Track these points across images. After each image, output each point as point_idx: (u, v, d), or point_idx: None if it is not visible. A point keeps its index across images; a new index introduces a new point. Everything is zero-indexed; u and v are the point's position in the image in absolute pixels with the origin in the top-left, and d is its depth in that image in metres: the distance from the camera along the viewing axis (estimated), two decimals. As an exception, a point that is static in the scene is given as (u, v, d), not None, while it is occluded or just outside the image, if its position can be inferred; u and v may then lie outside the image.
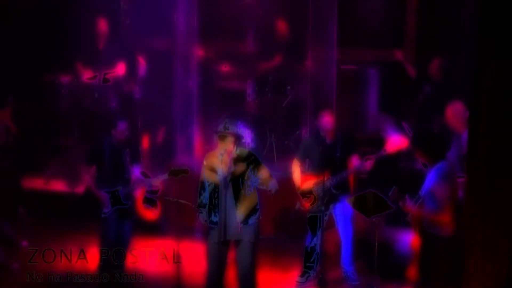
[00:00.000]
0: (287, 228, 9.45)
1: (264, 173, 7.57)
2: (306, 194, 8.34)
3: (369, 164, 8.20)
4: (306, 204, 8.34)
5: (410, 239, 7.73)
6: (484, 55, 5.90)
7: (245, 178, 7.54)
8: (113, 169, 8.18)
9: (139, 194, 8.65)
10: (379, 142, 8.45)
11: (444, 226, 6.98)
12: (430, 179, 7.16)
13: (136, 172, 8.26)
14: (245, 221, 7.51)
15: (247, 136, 7.75)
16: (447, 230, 6.99)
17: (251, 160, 7.56)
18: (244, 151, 7.64)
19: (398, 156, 9.29)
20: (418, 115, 10.35)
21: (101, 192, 8.12)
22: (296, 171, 8.45)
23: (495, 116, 5.85)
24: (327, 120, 8.24)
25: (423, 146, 7.33)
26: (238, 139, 7.55)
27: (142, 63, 11.00)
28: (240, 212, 7.49)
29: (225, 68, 11.15)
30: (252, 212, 7.53)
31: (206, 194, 7.61)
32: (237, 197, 7.50)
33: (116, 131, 8.16)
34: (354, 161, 8.26)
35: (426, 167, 8.84)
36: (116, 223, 8.14)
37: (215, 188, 7.54)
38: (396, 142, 8.21)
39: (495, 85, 5.81)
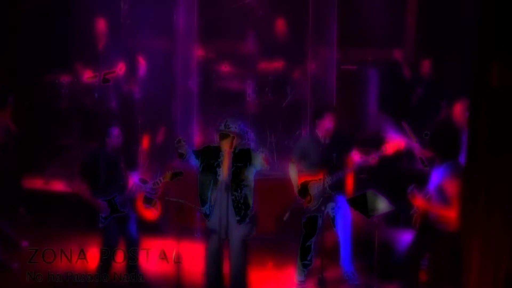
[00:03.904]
0: (287, 228, 9.43)
1: (260, 161, 7.63)
2: (303, 194, 8.33)
3: (371, 160, 8.18)
4: (305, 204, 8.33)
5: (410, 239, 7.75)
6: (484, 54, 5.90)
7: (243, 177, 7.57)
8: (109, 177, 8.16)
9: (139, 195, 8.66)
10: (379, 142, 8.45)
11: (451, 221, 7.02)
12: (440, 175, 7.19)
13: (134, 178, 8.25)
14: (241, 220, 7.55)
15: (248, 136, 7.73)
16: (453, 226, 7.02)
17: (250, 158, 7.58)
18: (244, 150, 7.64)
19: (399, 156, 9.30)
20: (413, 115, 10.37)
21: (98, 201, 8.10)
22: (293, 172, 8.44)
23: (495, 116, 5.85)
24: (330, 122, 8.23)
25: (440, 142, 7.35)
26: (239, 139, 7.56)
27: (142, 63, 10.99)
28: (236, 211, 7.54)
29: (225, 68, 11.14)
30: (247, 211, 7.57)
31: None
32: (234, 197, 7.54)
33: (109, 138, 8.16)
34: (355, 158, 8.24)
35: (426, 167, 8.87)
36: (117, 229, 8.13)
37: (213, 184, 7.56)
38: (394, 142, 8.20)
39: (495, 85, 5.81)
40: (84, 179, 8.20)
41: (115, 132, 8.19)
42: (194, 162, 7.68)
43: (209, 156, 7.63)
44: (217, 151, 7.62)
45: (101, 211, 8.07)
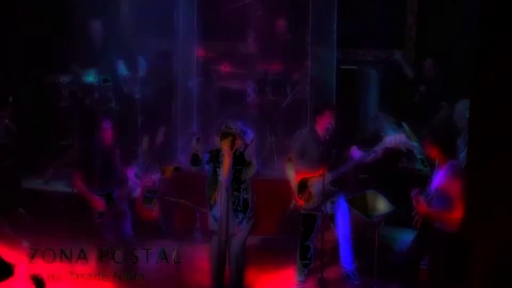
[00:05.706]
0: (287, 228, 9.44)
1: (251, 168, 7.66)
2: (302, 191, 8.32)
3: (370, 157, 8.16)
4: (301, 202, 8.32)
5: (410, 239, 7.75)
6: (484, 54, 5.91)
7: (243, 179, 7.60)
8: (104, 172, 8.13)
9: (138, 194, 8.64)
10: (379, 142, 8.44)
11: (451, 222, 7.03)
12: (441, 177, 7.19)
13: (130, 174, 8.23)
14: (241, 221, 7.57)
15: (248, 136, 7.73)
16: (452, 226, 7.03)
17: (246, 161, 7.63)
18: (242, 153, 7.67)
19: (398, 156, 9.30)
20: (414, 114, 10.37)
21: (95, 196, 8.08)
22: (290, 170, 8.43)
23: (495, 115, 5.86)
24: (329, 119, 8.22)
25: (441, 142, 7.34)
26: (239, 140, 7.57)
27: (142, 63, 10.98)
28: (236, 212, 7.56)
29: (225, 68, 11.12)
30: (246, 212, 7.59)
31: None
32: (234, 198, 7.56)
33: (101, 132, 8.11)
34: (354, 153, 8.21)
35: (426, 167, 8.87)
36: (114, 226, 8.12)
37: (219, 186, 7.59)
38: (394, 139, 8.17)
39: (495, 83, 5.82)
40: (80, 173, 8.17)
41: (106, 126, 8.13)
42: (207, 166, 7.70)
43: (214, 159, 7.67)
44: (218, 152, 7.65)
45: (97, 206, 8.05)
